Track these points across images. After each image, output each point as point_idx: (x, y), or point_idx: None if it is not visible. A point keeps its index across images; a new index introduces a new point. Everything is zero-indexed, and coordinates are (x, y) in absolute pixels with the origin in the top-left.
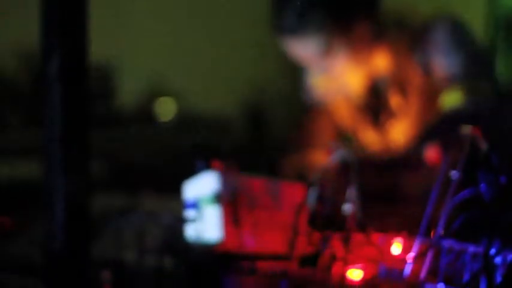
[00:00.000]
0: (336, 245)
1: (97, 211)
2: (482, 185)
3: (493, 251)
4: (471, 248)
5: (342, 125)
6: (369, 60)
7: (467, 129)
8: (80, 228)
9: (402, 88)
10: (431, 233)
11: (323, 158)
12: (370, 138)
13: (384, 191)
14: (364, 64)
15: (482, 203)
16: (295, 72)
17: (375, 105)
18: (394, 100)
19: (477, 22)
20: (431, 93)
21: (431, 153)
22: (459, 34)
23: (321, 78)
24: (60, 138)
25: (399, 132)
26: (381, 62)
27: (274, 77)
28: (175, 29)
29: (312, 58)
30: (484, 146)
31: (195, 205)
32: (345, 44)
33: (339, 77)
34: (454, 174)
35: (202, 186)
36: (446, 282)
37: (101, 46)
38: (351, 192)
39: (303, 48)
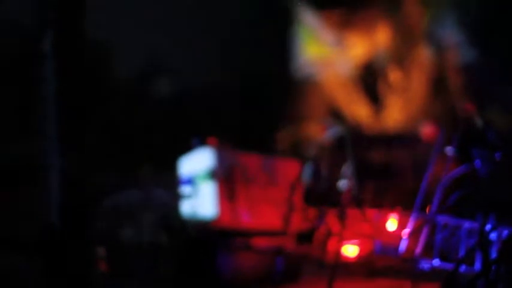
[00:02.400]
0: (332, 221)
1: (94, 188)
2: (477, 161)
3: (488, 226)
4: (466, 224)
5: (337, 100)
6: (377, 35)
7: (462, 106)
8: (76, 205)
9: (405, 65)
10: (427, 209)
11: (317, 132)
12: (366, 113)
13: (380, 166)
14: (373, 38)
15: (477, 179)
16: (287, 49)
17: (373, 80)
18: (394, 76)
19: None
20: (434, 72)
21: (427, 129)
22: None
23: (319, 52)
24: (56, 118)
25: (397, 108)
26: (387, 37)
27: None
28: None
29: (331, 30)
30: (479, 122)
31: (190, 181)
32: (362, 18)
33: (348, 49)
34: (449, 150)
35: (197, 163)
36: (441, 258)
37: (99, 22)
38: (346, 168)
39: (325, 20)
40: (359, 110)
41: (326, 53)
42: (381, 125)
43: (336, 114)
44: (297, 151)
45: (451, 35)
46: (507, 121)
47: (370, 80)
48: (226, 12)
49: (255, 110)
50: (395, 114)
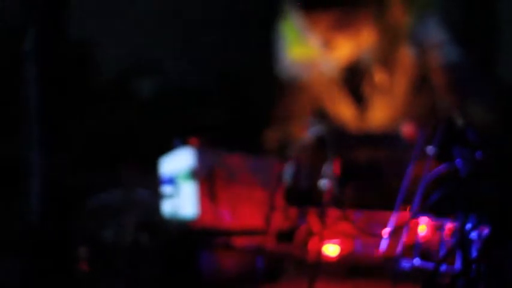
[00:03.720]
0: (312, 220)
1: (75, 187)
2: (458, 160)
3: (468, 226)
4: (447, 223)
5: (322, 100)
6: (363, 35)
7: (444, 105)
8: (57, 205)
9: (388, 66)
10: (408, 208)
11: (299, 131)
12: (350, 113)
13: (361, 166)
14: (359, 39)
15: (458, 178)
16: (271, 49)
17: (357, 80)
18: (378, 76)
19: None
20: (417, 73)
21: (408, 128)
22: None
23: (304, 53)
24: (37, 117)
25: (381, 108)
26: (371, 39)
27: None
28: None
29: (322, 32)
30: (460, 121)
31: (171, 181)
32: (348, 19)
33: (335, 50)
34: (430, 149)
35: (178, 162)
36: (422, 257)
37: (82, 21)
38: (328, 168)
39: (317, 22)
40: (344, 110)
41: (311, 53)
42: (365, 125)
43: (321, 114)
44: (284, 151)
45: (434, 34)
46: (486, 116)
47: (354, 80)
48: (212, 12)
49: (239, 109)
50: (379, 114)
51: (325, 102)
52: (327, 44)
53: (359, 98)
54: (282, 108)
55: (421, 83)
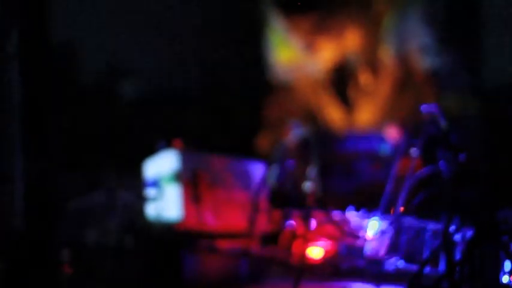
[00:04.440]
0: (297, 222)
1: (59, 191)
2: (441, 162)
3: (452, 228)
4: (431, 226)
5: (307, 101)
6: (346, 38)
7: (427, 108)
8: (40, 208)
9: (373, 68)
10: (392, 211)
11: (285, 134)
12: (335, 114)
13: (344, 168)
14: (342, 42)
15: (441, 180)
16: (256, 50)
17: (343, 82)
18: (364, 78)
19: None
20: (401, 76)
21: (392, 130)
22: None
23: (290, 56)
24: (20, 120)
25: (366, 110)
26: (355, 41)
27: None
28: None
29: (303, 35)
30: (443, 124)
31: (155, 184)
32: (331, 22)
33: (318, 52)
34: (413, 152)
35: (162, 165)
36: (406, 259)
37: (63, 25)
38: (311, 170)
39: (298, 26)
40: (329, 111)
41: (297, 57)
42: (350, 127)
43: (307, 117)
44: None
45: (417, 36)
46: (462, 105)
47: (340, 82)
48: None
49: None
50: (364, 115)
51: (311, 104)
52: (309, 47)
53: (345, 100)
54: (267, 111)
55: (405, 84)
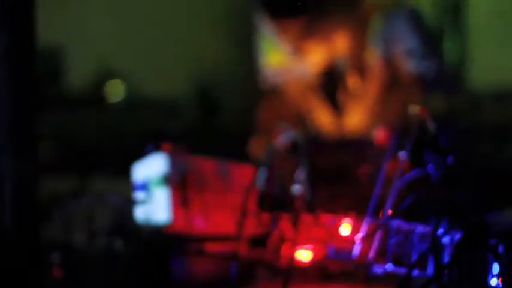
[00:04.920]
0: (285, 226)
1: (47, 194)
2: (430, 165)
3: (440, 231)
4: (419, 228)
5: (297, 105)
6: (334, 42)
7: (415, 110)
8: (28, 211)
9: (361, 71)
10: (380, 214)
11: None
12: (325, 118)
13: (334, 171)
14: (330, 46)
15: (430, 183)
16: (246, 53)
17: (332, 86)
18: (352, 82)
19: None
20: (388, 78)
21: (380, 134)
22: (416, 19)
23: (279, 60)
24: (9, 122)
25: (355, 113)
26: (343, 44)
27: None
28: (123, 11)
29: (292, 38)
30: (432, 127)
31: (144, 187)
32: (320, 26)
33: (307, 56)
34: (402, 154)
35: (151, 168)
36: (394, 263)
37: (49, 28)
38: (300, 173)
39: (286, 29)
40: (318, 116)
41: (285, 61)
42: (339, 130)
43: (297, 120)
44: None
45: (404, 40)
46: (448, 105)
47: (329, 86)
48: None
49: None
50: (353, 119)
51: (300, 108)
52: (298, 51)
53: (333, 104)
54: (257, 115)
55: (392, 87)
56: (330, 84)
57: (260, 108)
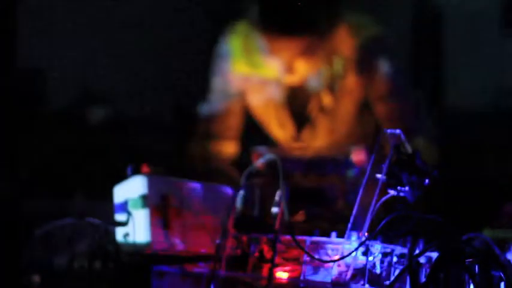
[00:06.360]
0: (264, 247)
1: (27, 216)
2: (406, 186)
3: (417, 251)
4: (396, 249)
5: (265, 123)
6: (314, 60)
7: (392, 132)
8: (9, 233)
9: (334, 90)
10: (358, 234)
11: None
12: (295, 137)
13: (310, 192)
14: (311, 64)
15: (406, 204)
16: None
17: (305, 104)
18: (325, 101)
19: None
20: (364, 98)
21: (358, 155)
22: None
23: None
24: None
25: (327, 132)
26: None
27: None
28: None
29: (286, 58)
30: (408, 148)
31: (124, 208)
32: (316, 47)
33: (294, 75)
34: (379, 175)
35: (131, 190)
36: (371, 283)
37: (31, 50)
38: (279, 195)
39: (282, 49)
40: (288, 134)
41: (263, 74)
42: (311, 149)
43: (264, 137)
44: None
45: (382, 62)
46: (431, 151)
47: (301, 104)
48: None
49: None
50: (325, 138)
51: (270, 125)
52: (289, 70)
53: (305, 122)
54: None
55: (367, 109)
56: (302, 102)
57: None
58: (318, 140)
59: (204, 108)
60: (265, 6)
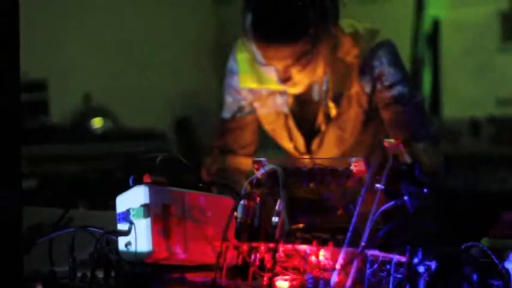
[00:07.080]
0: (264, 256)
1: (30, 225)
2: (405, 196)
3: (416, 260)
4: (395, 258)
5: (272, 134)
6: (319, 70)
7: (391, 142)
8: (11, 242)
9: (340, 99)
10: (357, 243)
11: (249, 166)
12: (301, 148)
13: (311, 201)
14: (316, 74)
15: (405, 213)
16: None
17: (309, 114)
18: (332, 110)
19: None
20: (368, 109)
21: (358, 165)
22: (395, 55)
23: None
24: None
25: (333, 142)
26: (324, 73)
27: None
28: (108, 48)
29: (283, 68)
30: (407, 158)
31: (125, 218)
32: (313, 57)
33: (294, 86)
34: (378, 185)
35: (133, 200)
36: None
37: (34, 62)
38: (279, 204)
39: (278, 58)
40: (295, 144)
41: (266, 85)
42: (316, 160)
43: (271, 148)
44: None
45: (386, 72)
46: (433, 157)
47: (306, 114)
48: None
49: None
50: (331, 149)
51: (276, 136)
52: (287, 81)
53: (310, 132)
54: (227, 142)
55: (370, 119)
56: (307, 112)
57: (225, 133)
58: (327, 151)
59: (219, 125)
60: (255, 14)
